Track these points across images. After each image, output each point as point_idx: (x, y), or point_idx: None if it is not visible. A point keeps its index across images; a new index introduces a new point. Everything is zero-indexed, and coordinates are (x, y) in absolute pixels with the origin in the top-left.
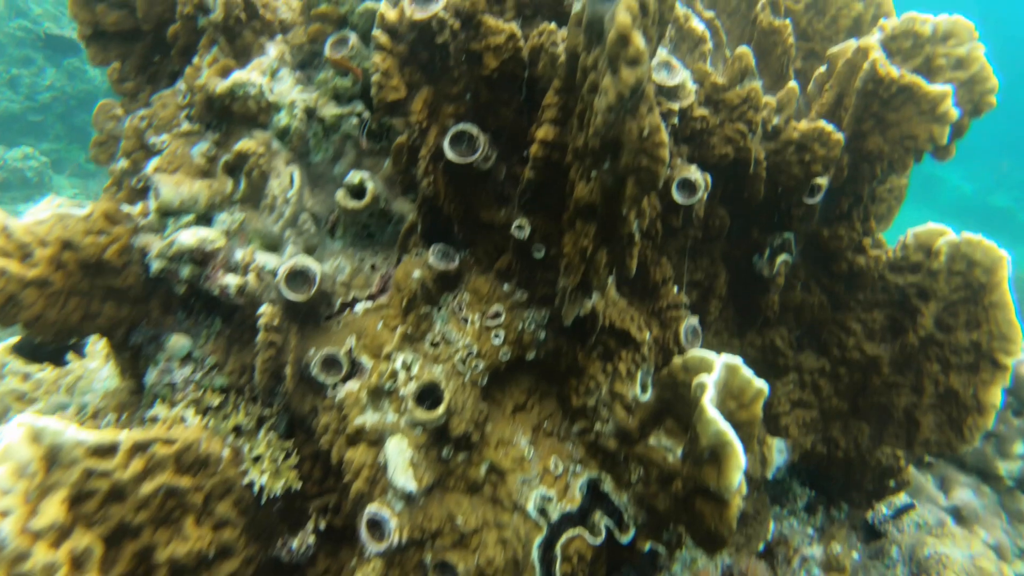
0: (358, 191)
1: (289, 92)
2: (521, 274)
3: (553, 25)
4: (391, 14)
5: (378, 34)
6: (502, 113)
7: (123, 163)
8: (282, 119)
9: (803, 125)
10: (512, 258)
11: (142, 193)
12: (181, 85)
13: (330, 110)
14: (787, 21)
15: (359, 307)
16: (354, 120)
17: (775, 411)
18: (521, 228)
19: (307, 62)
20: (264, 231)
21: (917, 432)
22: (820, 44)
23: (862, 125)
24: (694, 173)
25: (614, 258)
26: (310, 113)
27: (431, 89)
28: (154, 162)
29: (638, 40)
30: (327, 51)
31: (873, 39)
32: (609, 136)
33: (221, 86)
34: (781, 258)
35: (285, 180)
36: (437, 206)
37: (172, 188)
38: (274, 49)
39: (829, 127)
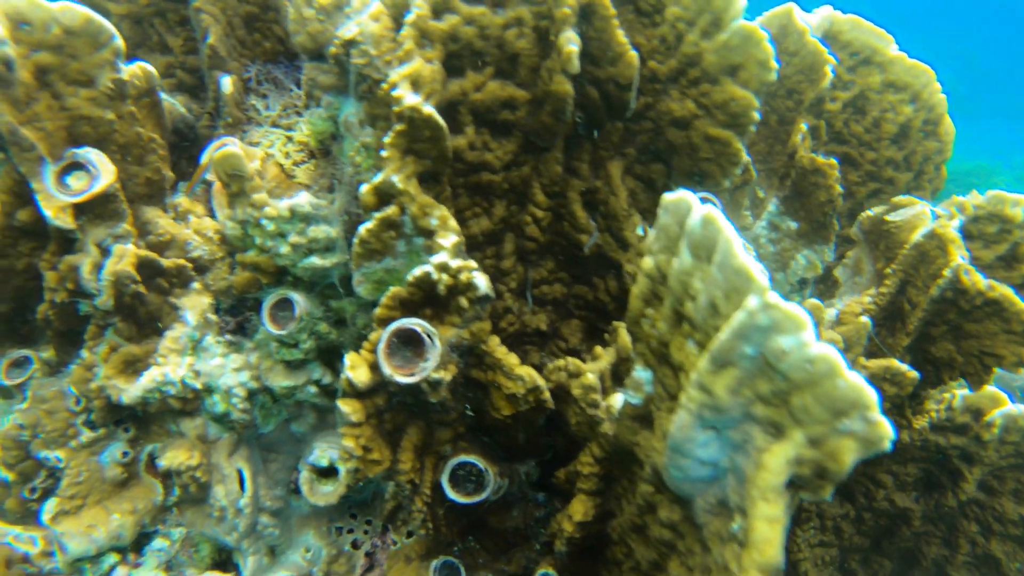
0: (328, 471)
1: (222, 370)
2: None
3: (590, 376)
4: (361, 375)
5: (347, 407)
6: (515, 436)
7: (8, 476)
8: (217, 404)
9: (872, 364)
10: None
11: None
12: (68, 387)
13: (279, 381)
14: (834, 160)
15: None
16: (312, 390)
17: (795, 556)
18: None
19: (238, 308)
20: (213, 537)
21: None
22: (857, 150)
23: (931, 329)
24: None
25: None
26: (253, 393)
27: (420, 428)
28: (51, 505)
29: None
30: (266, 320)
31: (953, 226)
32: None
33: (128, 396)
34: None
35: (233, 485)
36: (439, 537)
37: (83, 539)
38: (192, 312)
39: (903, 367)
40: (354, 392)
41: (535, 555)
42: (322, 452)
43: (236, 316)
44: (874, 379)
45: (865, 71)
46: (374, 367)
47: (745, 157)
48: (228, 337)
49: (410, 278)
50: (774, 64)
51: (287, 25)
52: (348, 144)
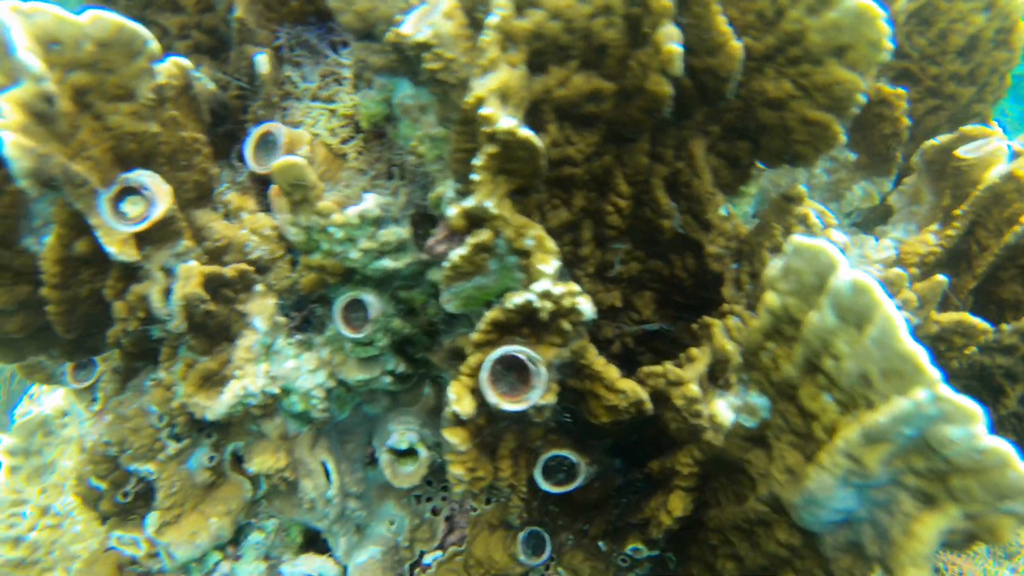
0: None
1: (298, 373)
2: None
3: (693, 388)
4: (467, 406)
5: (455, 438)
6: (607, 434)
7: (101, 485)
8: (296, 405)
9: (944, 318)
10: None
11: (134, 509)
12: (149, 405)
13: (354, 375)
14: (902, 91)
15: (429, 560)
16: (386, 380)
17: None
18: (638, 550)
19: (302, 302)
20: (303, 522)
21: None
22: (918, 64)
23: (1000, 272)
24: None
25: None
26: (330, 391)
27: (515, 432)
28: (153, 519)
29: None
30: (339, 323)
31: None
32: None
33: (213, 413)
34: None
35: (320, 479)
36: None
37: (188, 546)
38: (260, 318)
39: (975, 321)
40: (459, 422)
41: (615, 519)
42: (400, 436)
43: (301, 310)
44: (945, 332)
45: None
46: (475, 391)
47: (844, 140)
48: (298, 336)
49: (510, 306)
50: (888, 44)
51: None
52: (405, 127)
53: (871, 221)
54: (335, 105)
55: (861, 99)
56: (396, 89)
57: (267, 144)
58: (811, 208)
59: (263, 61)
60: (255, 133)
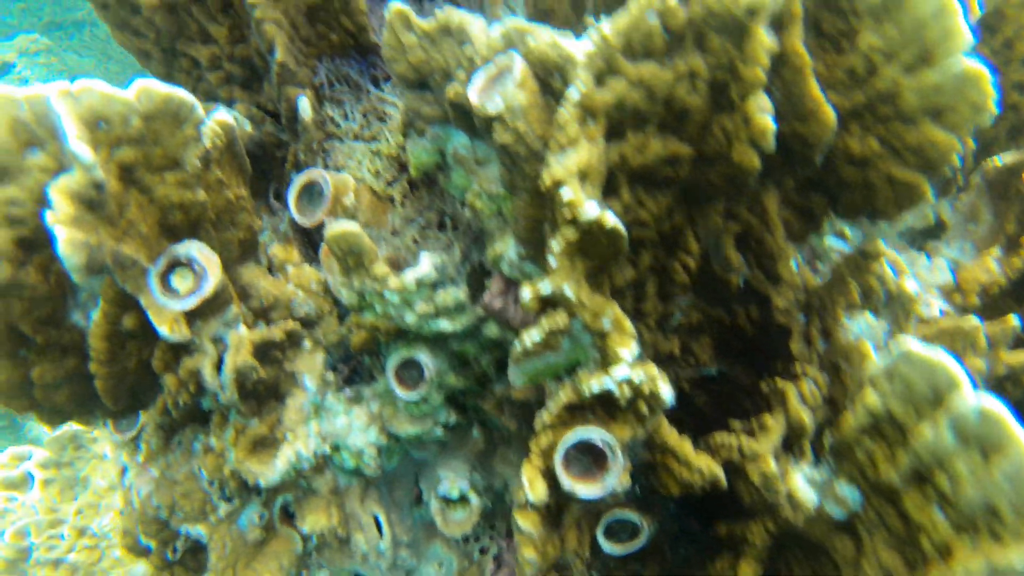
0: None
1: (349, 430)
2: None
3: (771, 464)
4: (540, 492)
5: (528, 523)
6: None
7: (151, 544)
8: (347, 461)
9: (1015, 360)
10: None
11: (184, 562)
12: (200, 470)
13: (405, 428)
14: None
15: None
16: (438, 432)
17: None
18: None
19: (350, 355)
20: (353, 571)
21: None
22: None
23: None
24: None
25: None
26: (381, 448)
27: (581, 504)
28: None
29: None
30: (393, 383)
31: None
32: None
33: (267, 480)
34: None
35: (372, 532)
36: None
37: None
38: (310, 376)
39: None
40: (532, 505)
41: (671, 566)
42: (452, 484)
43: (348, 362)
44: (1013, 372)
45: None
46: (546, 472)
47: (932, 199)
48: (347, 392)
49: (587, 393)
50: (993, 108)
51: (359, 18)
52: (459, 176)
53: (920, 234)
54: (378, 145)
55: (956, 160)
56: (449, 139)
57: (310, 191)
58: (885, 256)
59: (306, 107)
60: (298, 182)
